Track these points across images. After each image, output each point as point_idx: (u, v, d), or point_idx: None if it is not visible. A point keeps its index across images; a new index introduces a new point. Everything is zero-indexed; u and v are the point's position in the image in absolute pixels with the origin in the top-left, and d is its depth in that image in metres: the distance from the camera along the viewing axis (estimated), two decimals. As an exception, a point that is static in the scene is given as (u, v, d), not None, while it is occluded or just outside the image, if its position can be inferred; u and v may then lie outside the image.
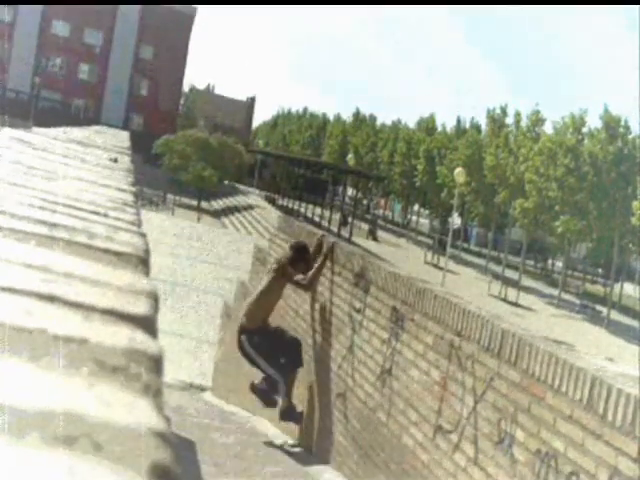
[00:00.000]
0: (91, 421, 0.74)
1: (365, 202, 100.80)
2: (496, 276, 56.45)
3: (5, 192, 1.94)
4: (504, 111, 67.01)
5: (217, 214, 70.34)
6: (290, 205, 70.85)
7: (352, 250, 10.15)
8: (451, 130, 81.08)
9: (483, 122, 71.69)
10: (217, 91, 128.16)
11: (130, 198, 2.65)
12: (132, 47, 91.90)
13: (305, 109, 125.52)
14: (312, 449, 9.53)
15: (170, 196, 68.09)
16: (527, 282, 61.25)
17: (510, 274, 59.91)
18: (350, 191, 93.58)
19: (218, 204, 76.13)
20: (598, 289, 69.17)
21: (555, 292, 58.45)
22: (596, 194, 52.52)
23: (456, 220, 68.81)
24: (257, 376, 10.58)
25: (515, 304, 48.99)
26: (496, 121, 66.82)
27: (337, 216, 66.87)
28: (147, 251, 1.64)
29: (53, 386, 0.81)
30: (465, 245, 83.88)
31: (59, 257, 1.37)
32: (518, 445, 5.49)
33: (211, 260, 37.26)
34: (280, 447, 9.88)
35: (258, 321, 10.00)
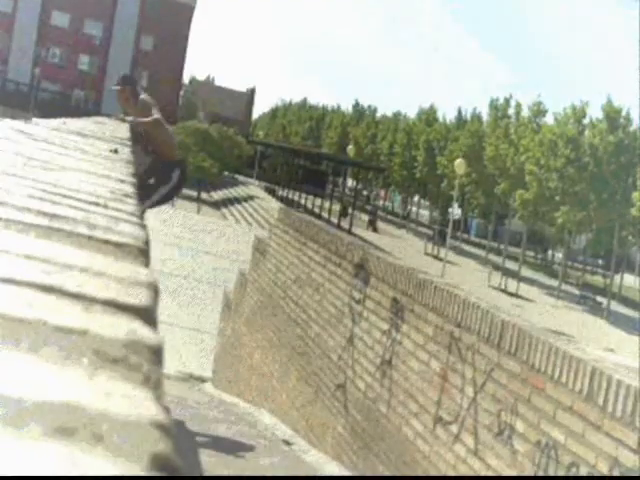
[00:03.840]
0: (91, 412, 0.74)
1: (365, 193, 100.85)
2: (496, 267, 56.46)
3: (5, 183, 1.93)
4: (507, 102, 66.96)
5: (217, 205, 70.33)
6: (290, 196, 70.83)
7: (352, 241, 10.15)
8: (451, 121, 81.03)
9: (485, 113, 71.62)
10: (217, 82, 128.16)
11: (130, 189, 2.65)
12: (132, 38, 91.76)
13: (304, 100, 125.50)
14: (312, 440, 9.55)
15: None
16: (527, 273, 61.28)
17: (510, 265, 59.94)
18: (350, 182, 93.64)
19: (218, 195, 76.13)
20: (598, 280, 69.23)
21: (555, 283, 58.49)
22: (596, 185, 52.50)
23: (456, 211, 68.81)
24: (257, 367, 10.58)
25: (515, 295, 49.02)
26: (499, 111, 66.76)
27: (337, 207, 66.86)
28: (147, 242, 1.64)
29: (53, 377, 0.81)
30: (465, 236, 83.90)
31: (59, 248, 1.37)
32: (518, 436, 5.50)
33: (211, 251, 37.27)
34: (280, 438, 9.89)
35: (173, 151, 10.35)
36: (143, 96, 10.34)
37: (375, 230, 67.34)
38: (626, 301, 59.23)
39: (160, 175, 9.92)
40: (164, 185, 9.94)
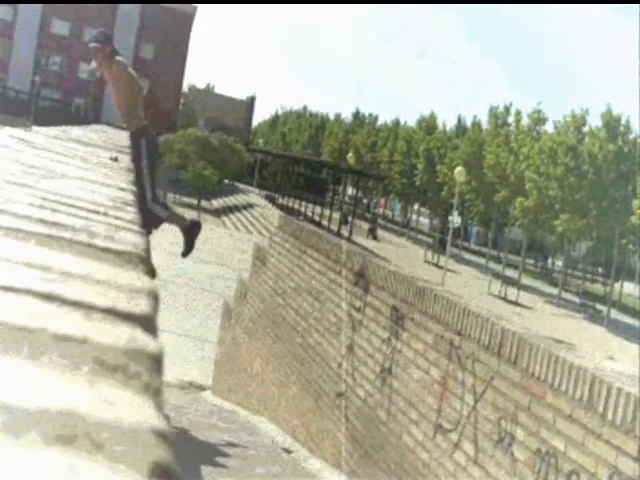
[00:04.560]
0: (91, 420, 0.74)
1: (365, 201, 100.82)
2: (496, 275, 56.44)
3: (5, 191, 1.94)
4: (507, 109, 66.98)
5: (217, 213, 70.33)
6: (290, 204, 70.84)
7: (352, 249, 10.15)
8: (451, 129, 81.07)
9: (485, 121, 71.60)
10: (217, 90, 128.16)
11: (130, 197, 2.65)
12: (132, 46, 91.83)
13: (305, 108, 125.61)
14: (312, 448, 9.53)
15: (170, 195, 68.09)
16: (527, 281, 61.25)
17: (510, 273, 59.93)
18: (350, 190, 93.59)
19: (218, 203, 76.12)
20: (598, 288, 69.17)
21: (555, 291, 58.46)
22: (596, 193, 52.50)
23: (456, 219, 68.78)
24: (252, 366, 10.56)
25: (515, 303, 48.98)
26: (498, 119, 66.77)
27: (337, 215, 66.87)
28: (147, 250, 1.64)
29: (53, 385, 0.81)
30: (465, 244, 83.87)
31: (59, 256, 1.37)
32: (518, 444, 5.49)
33: (211, 259, 37.26)
34: (280, 446, 9.88)
35: (139, 121, 9.36)
36: (120, 58, 9.43)
37: (375, 238, 67.31)
38: (626, 309, 59.19)
39: (132, 149, 8.95)
40: (139, 159, 8.94)
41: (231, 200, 76.78)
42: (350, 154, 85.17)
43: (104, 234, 1.66)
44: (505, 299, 49.88)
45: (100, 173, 3.31)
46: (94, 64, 9.55)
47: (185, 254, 9.97)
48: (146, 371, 0.91)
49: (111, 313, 1.08)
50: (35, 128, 5.74)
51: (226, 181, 77.19)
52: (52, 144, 4.19)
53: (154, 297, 1.24)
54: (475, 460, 6.00)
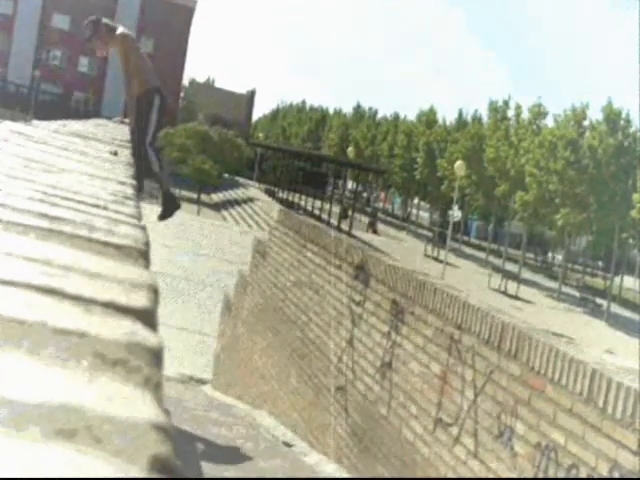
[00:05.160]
0: (91, 414, 0.74)
1: (365, 195, 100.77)
2: (496, 269, 56.42)
3: (5, 185, 1.93)
4: (506, 103, 66.94)
5: (217, 207, 70.30)
6: (290, 198, 70.84)
7: (352, 243, 10.15)
8: (451, 123, 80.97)
9: (485, 115, 71.49)
10: (217, 84, 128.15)
11: (130, 191, 2.65)
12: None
13: (304, 102, 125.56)
14: (312, 442, 9.54)
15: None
16: (527, 275, 61.24)
17: (510, 267, 59.94)
18: (350, 184, 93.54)
19: (218, 197, 76.08)
20: (598, 282, 69.18)
21: (555, 285, 58.45)
22: (596, 187, 52.46)
23: (456, 213, 68.71)
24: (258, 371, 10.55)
25: (515, 297, 48.97)
26: (498, 113, 66.70)
27: (337, 209, 66.85)
28: (147, 244, 1.64)
29: (53, 379, 0.81)
30: (465, 238, 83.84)
31: (59, 250, 1.37)
32: (518, 438, 5.49)
33: (211, 253, 37.25)
34: (280, 440, 9.89)
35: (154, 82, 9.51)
36: (120, 30, 9.40)
37: (375, 232, 67.28)
38: (626, 303, 59.20)
39: (144, 106, 9.14)
40: (150, 112, 9.18)
41: (231, 194, 76.76)
42: (350, 148, 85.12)
43: (104, 228, 1.66)
44: (505, 293, 49.87)
45: (100, 167, 3.31)
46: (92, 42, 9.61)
47: (162, 218, 10.01)
48: (146, 365, 0.91)
49: (111, 307, 1.08)
50: (35, 122, 5.74)
51: (226, 175, 77.15)
52: (52, 138, 4.18)
53: (154, 291, 1.24)
54: (475, 454, 6.01)
